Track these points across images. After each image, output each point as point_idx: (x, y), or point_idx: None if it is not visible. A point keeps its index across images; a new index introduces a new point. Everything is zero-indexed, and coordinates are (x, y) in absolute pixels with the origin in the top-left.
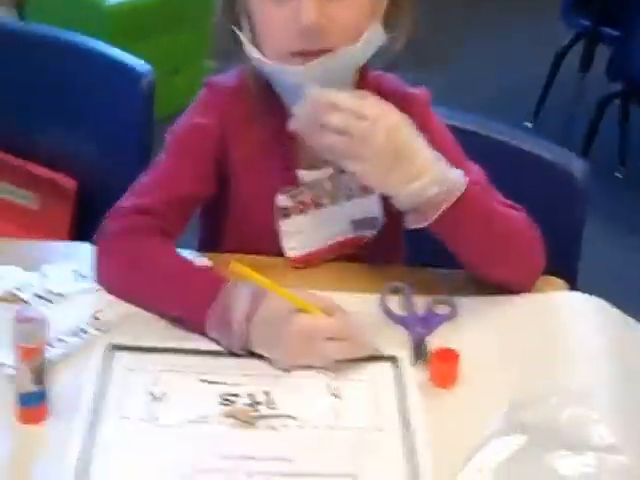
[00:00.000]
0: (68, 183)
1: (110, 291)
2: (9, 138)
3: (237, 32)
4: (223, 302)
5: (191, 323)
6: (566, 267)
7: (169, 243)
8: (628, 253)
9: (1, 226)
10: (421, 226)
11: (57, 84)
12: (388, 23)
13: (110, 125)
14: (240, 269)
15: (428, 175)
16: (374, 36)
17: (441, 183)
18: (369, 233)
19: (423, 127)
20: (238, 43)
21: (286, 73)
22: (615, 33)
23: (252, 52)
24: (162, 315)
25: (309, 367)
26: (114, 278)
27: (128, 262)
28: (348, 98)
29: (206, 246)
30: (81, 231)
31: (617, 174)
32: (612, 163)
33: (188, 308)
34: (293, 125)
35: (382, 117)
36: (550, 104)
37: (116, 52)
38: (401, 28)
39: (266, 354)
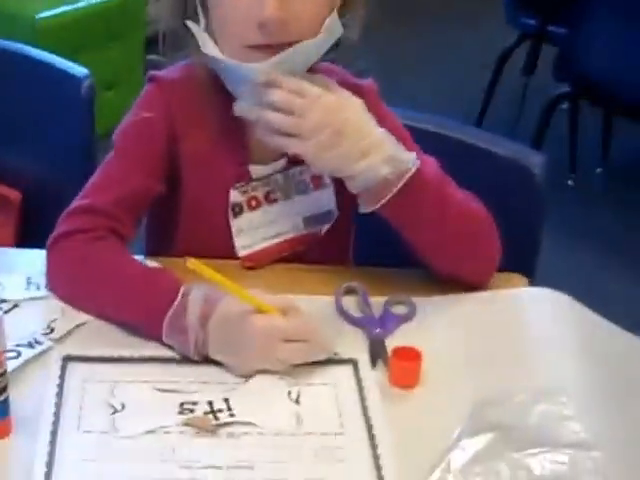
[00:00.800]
0: (12, 195)
1: (60, 297)
2: None
3: (190, 25)
4: (177, 308)
5: (147, 330)
6: (525, 264)
7: (121, 244)
8: (581, 255)
9: None
10: (374, 208)
11: None
12: (343, 13)
13: (52, 134)
14: (197, 267)
15: (378, 154)
16: (333, 28)
17: (393, 162)
18: (323, 228)
19: (375, 117)
20: (186, 38)
21: (241, 70)
22: (562, 31)
23: (208, 48)
24: (116, 322)
25: (268, 372)
26: (63, 283)
27: (78, 265)
28: (291, 79)
29: (155, 250)
30: (26, 243)
31: (569, 182)
32: (562, 171)
33: (144, 315)
34: (237, 109)
35: (322, 95)
36: (494, 109)
37: (54, 59)
38: (356, 18)
39: (224, 360)
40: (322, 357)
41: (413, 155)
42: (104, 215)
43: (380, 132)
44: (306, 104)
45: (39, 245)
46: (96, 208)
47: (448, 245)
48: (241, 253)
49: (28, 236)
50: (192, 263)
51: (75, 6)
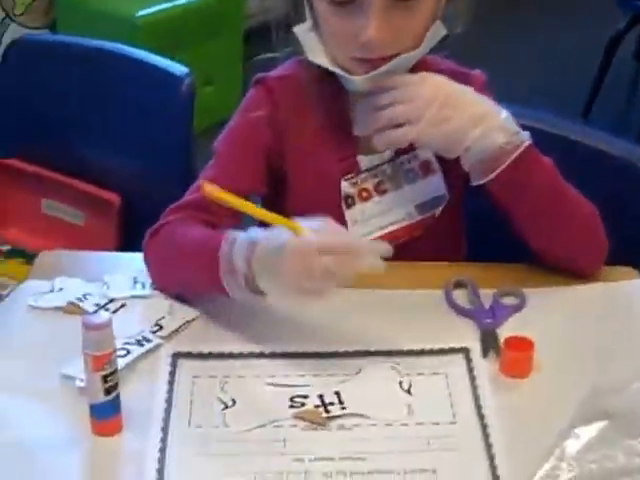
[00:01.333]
0: (112, 198)
1: (157, 284)
2: (53, 155)
3: (296, 31)
4: (225, 255)
5: (216, 288)
6: (636, 258)
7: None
8: None
9: (50, 243)
10: (488, 178)
11: (97, 96)
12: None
13: (151, 135)
14: (212, 190)
15: (491, 121)
16: (435, 35)
17: (507, 132)
18: (436, 212)
19: None
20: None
21: (344, 80)
22: None
23: (314, 54)
24: (196, 291)
25: (378, 364)
26: (156, 268)
27: (164, 246)
28: (390, 78)
29: None
30: (127, 244)
31: None
32: None
33: (207, 269)
34: (356, 131)
35: (428, 77)
36: (604, 95)
37: (154, 58)
38: (458, 17)
39: (272, 289)
40: (365, 264)
41: (527, 133)
42: (205, 211)
43: (492, 104)
44: (414, 90)
45: (140, 247)
46: (198, 204)
47: (562, 227)
48: None
49: (129, 239)
50: (207, 186)
51: (173, 3)
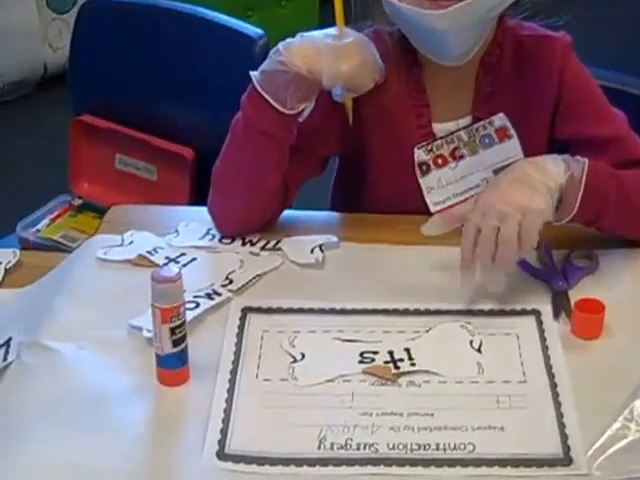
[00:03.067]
0: (185, 152)
1: (218, 211)
2: (126, 112)
3: None
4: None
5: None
6: None
7: None
8: None
9: (123, 198)
10: (570, 217)
11: (172, 55)
12: None
13: (225, 93)
14: None
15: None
16: None
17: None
18: None
19: (562, 71)
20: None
21: (425, 17)
22: None
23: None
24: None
25: (449, 322)
26: (214, 194)
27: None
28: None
29: (342, 206)
30: (201, 200)
31: None
32: None
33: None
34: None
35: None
36: None
37: (228, 20)
38: None
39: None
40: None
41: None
42: None
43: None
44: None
45: None
46: None
47: (637, 229)
48: (433, 209)
49: (203, 194)
50: None
51: None
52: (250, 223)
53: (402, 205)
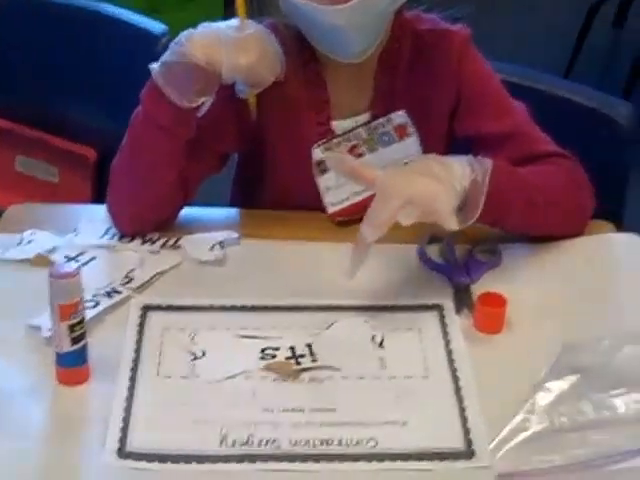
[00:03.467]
0: (88, 153)
1: (115, 208)
2: (27, 112)
3: None
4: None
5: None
6: (612, 212)
7: None
8: None
9: (23, 200)
10: (473, 220)
11: (76, 54)
12: None
13: (128, 92)
14: None
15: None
16: None
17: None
18: None
19: (460, 66)
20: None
21: (323, 13)
22: None
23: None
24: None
25: (352, 318)
26: (112, 190)
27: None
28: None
29: (241, 202)
30: (102, 200)
31: None
32: None
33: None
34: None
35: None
36: (582, 61)
37: (131, 17)
38: None
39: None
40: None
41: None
42: None
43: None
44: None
45: None
46: None
47: (541, 227)
48: (330, 210)
49: (104, 195)
50: None
51: None
52: (148, 220)
53: (301, 204)
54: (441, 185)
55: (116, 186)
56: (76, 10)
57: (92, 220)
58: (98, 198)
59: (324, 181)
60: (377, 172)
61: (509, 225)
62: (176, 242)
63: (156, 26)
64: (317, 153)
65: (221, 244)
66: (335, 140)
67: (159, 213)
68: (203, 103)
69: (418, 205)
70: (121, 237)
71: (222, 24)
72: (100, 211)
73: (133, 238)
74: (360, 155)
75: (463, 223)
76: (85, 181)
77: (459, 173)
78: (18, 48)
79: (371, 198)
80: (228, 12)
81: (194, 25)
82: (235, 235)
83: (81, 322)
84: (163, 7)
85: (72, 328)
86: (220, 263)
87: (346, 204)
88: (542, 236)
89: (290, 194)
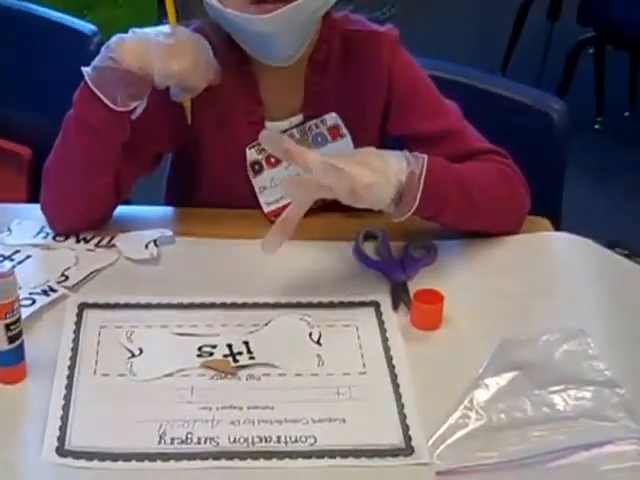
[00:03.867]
0: (22, 151)
1: (50, 207)
2: None
3: None
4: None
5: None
6: (549, 210)
7: None
8: (608, 202)
9: None
10: (410, 214)
11: (7, 53)
12: None
13: (60, 91)
14: None
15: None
16: None
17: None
18: None
19: (390, 67)
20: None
21: (249, 22)
22: None
23: (211, 1)
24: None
25: (288, 315)
26: (46, 189)
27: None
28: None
29: (175, 200)
30: (37, 198)
31: (596, 126)
32: (589, 116)
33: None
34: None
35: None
36: (518, 56)
37: (62, 17)
38: None
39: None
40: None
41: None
42: None
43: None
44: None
45: None
46: None
47: (477, 222)
48: (266, 209)
49: (39, 193)
50: None
51: None
52: (82, 221)
53: (235, 205)
54: (376, 175)
55: (50, 186)
56: (6, 10)
57: (25, 219)
58: (33, 196)
59: (259, 181)
60: (313, 155)
61: (446, 219)
62: (110, 241)
63: (87, 26)
64: (252, 154)
65: (155, 242)
66: None
67: (94, 213)
68: (136, 107)
69: (352, 193)
70: (55, 236)
71: (153, 30)
72: (33, 210)
73: (67, 237)
74: None
75: (400, 216)
76: (20, 179)
77: (396, 167)
78: None
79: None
80: (160, 11)
81: (126, 24)
82: (169, 233)
83: (17, 321)
84: (94, 6)
85: (8, 327)
86: (155, 261)
87: (282, 203)
88: (478, 232)
89: (224, 195)
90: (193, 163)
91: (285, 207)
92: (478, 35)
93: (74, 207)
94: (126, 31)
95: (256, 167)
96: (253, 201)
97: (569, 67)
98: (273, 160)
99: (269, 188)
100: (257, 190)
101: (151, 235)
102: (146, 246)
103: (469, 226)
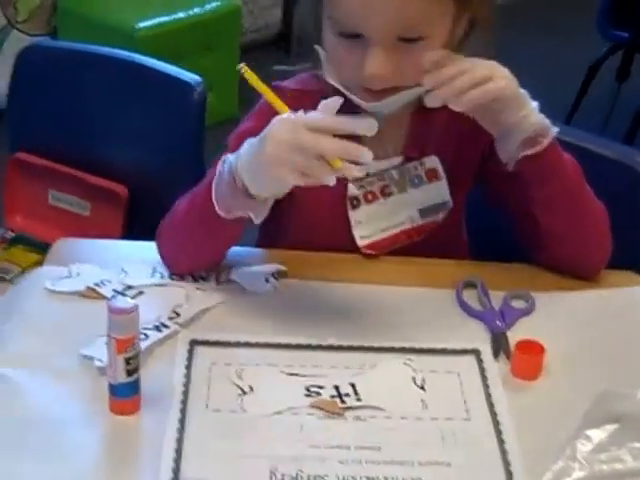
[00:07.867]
0: (119, 189)
1: (173, 268)
2: (62, 150)
3: (318, 49)
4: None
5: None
6: (635, 262)
7: None
8: None
9: (55, 232)
10: (534, 151)
11: (110, 99)
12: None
13: (160, 135)
14: (247, 72)
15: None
16: None
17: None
18: (438, 218)
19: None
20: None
21: (362, 105)
22: None
23: (330, 77)
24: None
25: (392, 360)
26: (167, 250)
27: (171, 222)
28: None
29: (267, 242)
30: (132, 236)
31: None
32: None
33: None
34: (430, 103)
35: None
36: (582, 117)
37: (166, 67)
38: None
39: (252, 175)
40: (357, 154)
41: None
42: None
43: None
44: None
45: (146, 238)
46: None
47: (577, 225)
48: (360, 243)
49: (135, 231)
50: (245, 68)
51: (173, 17)
52: (203, 268)
53: (327, 238)
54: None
55: (171, 239)
56: (110, 58)
57: (136, 262)
58: (128, 232)
59: (355, 215)
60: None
61: (550, 189)
62: (227, 276)
63: (190, 76)
64: (351, 189)
65: (274, 275)
66: (369, 179)
67: (216, 264)
68: None
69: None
70: (171, 275)
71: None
72: (141, 249)
73: (183, 277)
74: (390, 194)
75: (520, 152)
76: (116, 216)
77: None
78: (54, 92)
79: (401, 233)
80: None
81: (209, 69)
82: (284, 268)
83: (136, 355)
84: (180, 57)
85: (127, 361)
86: (260, 302)
87: (374, 238)
88: (569, 240)
89: (317, 231)
90: (288, 201)
91: (379, 242)
92: (543, 88)
93: (199, 261)
94: (214, 80)
95: (354, 202)
96: (346, 237)
97: (634, 127)
98: (370, 197)
99: (364, 223)
100: (353, 223)
101: (269, 269)
102: (266, 280)
103: (566, 219)
